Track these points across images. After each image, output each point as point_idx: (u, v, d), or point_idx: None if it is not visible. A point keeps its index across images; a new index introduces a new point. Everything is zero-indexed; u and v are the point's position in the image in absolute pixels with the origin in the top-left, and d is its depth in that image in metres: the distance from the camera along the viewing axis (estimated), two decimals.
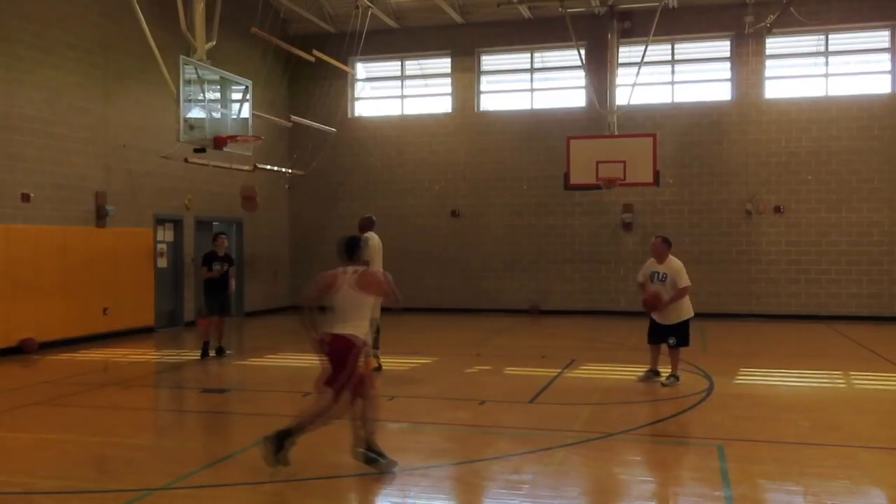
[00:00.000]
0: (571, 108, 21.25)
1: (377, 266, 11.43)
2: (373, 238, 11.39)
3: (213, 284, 13.21)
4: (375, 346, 11.64)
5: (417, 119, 22.28)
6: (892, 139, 19.38)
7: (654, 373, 10.71)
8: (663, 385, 10.34)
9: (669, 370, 10.53)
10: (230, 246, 20.08)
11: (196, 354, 13.22)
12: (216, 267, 13.19)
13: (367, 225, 11.73)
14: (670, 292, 10.29)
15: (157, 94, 15.63)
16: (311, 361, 13.27)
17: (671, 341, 10.42)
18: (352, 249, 6.84)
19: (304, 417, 6.64)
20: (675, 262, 10.43)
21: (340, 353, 6.46)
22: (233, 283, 13.52)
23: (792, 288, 19.90)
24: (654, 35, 18.86)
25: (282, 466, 6.44)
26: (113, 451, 7.47)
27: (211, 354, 13.12)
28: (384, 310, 11.90)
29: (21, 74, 14.04)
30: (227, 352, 13.47)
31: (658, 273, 10.44)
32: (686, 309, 10.50)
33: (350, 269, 6.73)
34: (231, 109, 13.60)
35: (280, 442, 6.44)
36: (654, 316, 10.54)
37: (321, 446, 7.68)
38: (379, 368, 11.55)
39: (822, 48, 20.26)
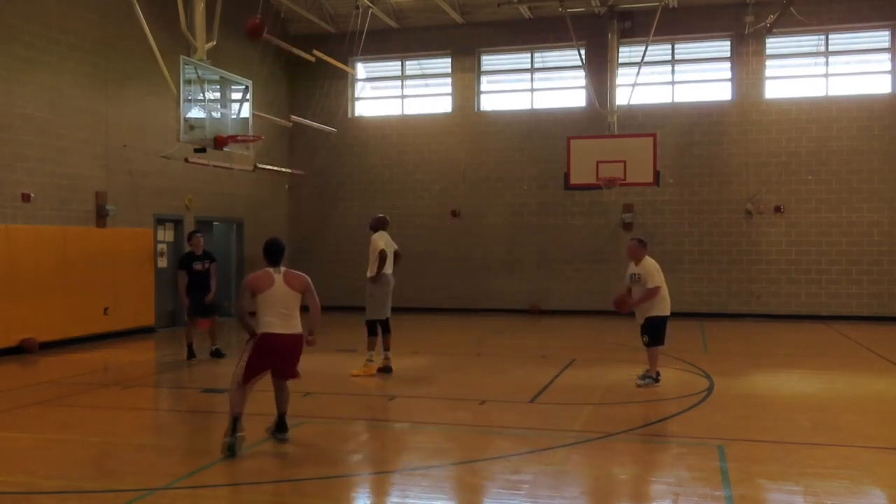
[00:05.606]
0: (571, 108, 21.26)
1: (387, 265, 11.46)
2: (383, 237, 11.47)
3: (194, 285, 12.90)
4: (386, 348, 11.58)
5: (417, 119, 22.28)
6: (893, 139, 19.38)
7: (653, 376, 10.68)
8: (637, 385, 10.32)
9: (647, 368, 10.51)
10: (231, 246, 20.26)
11: (199, 355, 13.08)
12: (197, 266, 12.92)
13: (378, 224, 11.71)
14: (642, 292, 10.28)
15: (157, 94, 15.65)
16: (310, 361, 13.30)
17: (644, 339, 10.40)
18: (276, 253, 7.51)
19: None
20: (648, 263, 10.39)
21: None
22: (213, 284, 13.03)
23: (792, 288, 19.91)
24: (654, 35, 18.86)
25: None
26: (113, 451, 7.47)
27: (198, 357, 12.87)
28: (393, 309, 11.88)
29: (21, 74, 14.04)
30: (223, 354, 12.97)
31: (633, 274, 10.44)
32: (656, 306, 10.37)
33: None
34: (231, 109, 13.60)
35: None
36: (637, 316, 10.53)
37: (321, 446, 7.69)
38: (389, 370, 11.47)
39: (822, 48, 20.26)
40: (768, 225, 20.04)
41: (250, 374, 7.22)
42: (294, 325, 7.27)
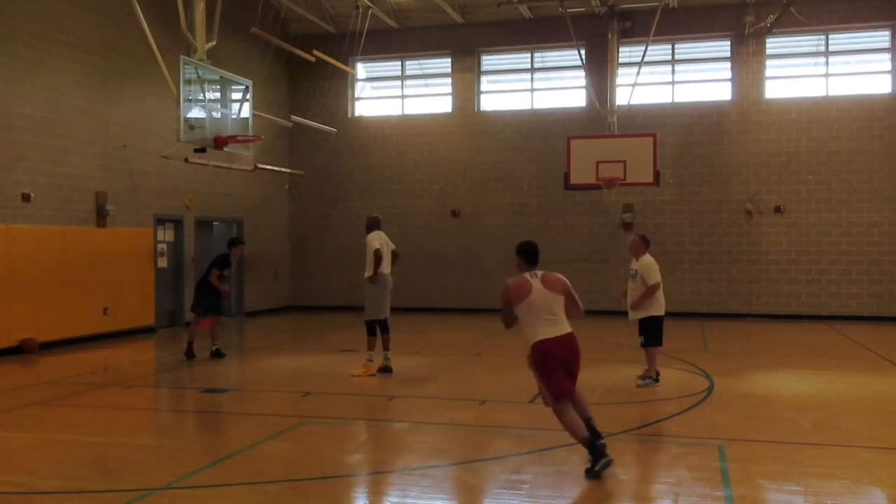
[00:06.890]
0: (571, 108, 21.26)
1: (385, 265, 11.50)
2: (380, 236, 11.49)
3: (211, 287, 13.06)
4: (386, 348, 11.58)
5: (417, 119, 22.28)
6: (892, 139, 19.38)
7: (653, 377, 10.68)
8: (637, 385, 10.32)
9: (646, 368, 10.51)
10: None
11: (199, 354, 13.09)
12: (227, 273, 13.22)
13: (373, 224, 11.73)
14: (640, 288, 10.31)
15: (157, 94, 15.68)
16: (309, 361, 13.32)
17: (640, 340, 10.39)
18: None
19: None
20: (647, 259, 10.43)
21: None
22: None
23: (792, 288, 19.90)
24: (654, 35, 18.86)
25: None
26: (113, 451, 7.47)
27: (198, 356, 12.91)
28: (393, 309, 11.88)
29: (22, 74, 14.04)
30: (224, 354, 13.18)
31: (632, 270, 10.50)
32: (651, 306, 10.35)
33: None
34: (231, 109, 13.61)
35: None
36: (629, 314, 10.55)
37: (321, 446, 7.69)
38: (389, 370, 11.46)
39: (822, 48, 20.26)
40: (768, 225, 20.04)
41: (555, 389, 6.52)
42: (564, 327, 6.54)
